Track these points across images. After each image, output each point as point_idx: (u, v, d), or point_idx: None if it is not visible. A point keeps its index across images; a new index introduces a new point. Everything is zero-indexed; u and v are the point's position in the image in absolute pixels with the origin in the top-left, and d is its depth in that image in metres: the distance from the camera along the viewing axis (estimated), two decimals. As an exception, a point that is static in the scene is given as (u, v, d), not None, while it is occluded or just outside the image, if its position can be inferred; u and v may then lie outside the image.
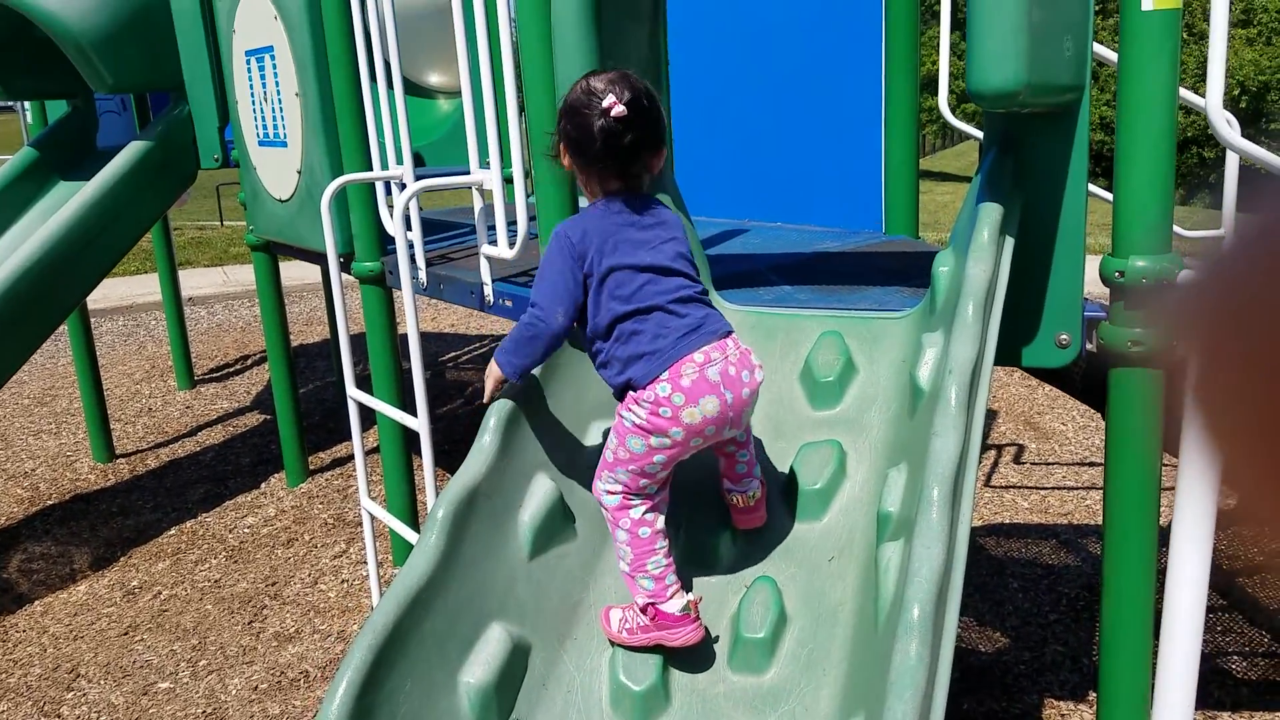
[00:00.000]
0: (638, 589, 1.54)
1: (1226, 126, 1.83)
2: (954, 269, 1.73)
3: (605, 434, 1.80)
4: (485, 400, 1.71)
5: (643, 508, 1.58)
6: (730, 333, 1.60)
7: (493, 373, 1.67)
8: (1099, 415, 2.85)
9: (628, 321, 1.57)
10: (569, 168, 1.67)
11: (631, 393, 1.56)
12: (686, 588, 1.60)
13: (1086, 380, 2.20)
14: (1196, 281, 0.28)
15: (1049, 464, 4.39)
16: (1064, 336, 1.86)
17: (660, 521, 1.58)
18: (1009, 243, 1.68)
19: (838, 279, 2.39)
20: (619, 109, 1.54)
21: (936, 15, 2.97)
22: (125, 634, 3.36)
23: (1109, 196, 1.80)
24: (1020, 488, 4.15)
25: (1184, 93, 2.37)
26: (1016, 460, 4.46)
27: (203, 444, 5.20)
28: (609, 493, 1.59)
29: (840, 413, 1.88)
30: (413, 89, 4.03)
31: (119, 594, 3.64)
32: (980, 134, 3.14)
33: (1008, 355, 1.88)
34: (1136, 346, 1.79)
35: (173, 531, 4.14)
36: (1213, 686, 2.69)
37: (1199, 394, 0.27)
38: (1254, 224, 0.26)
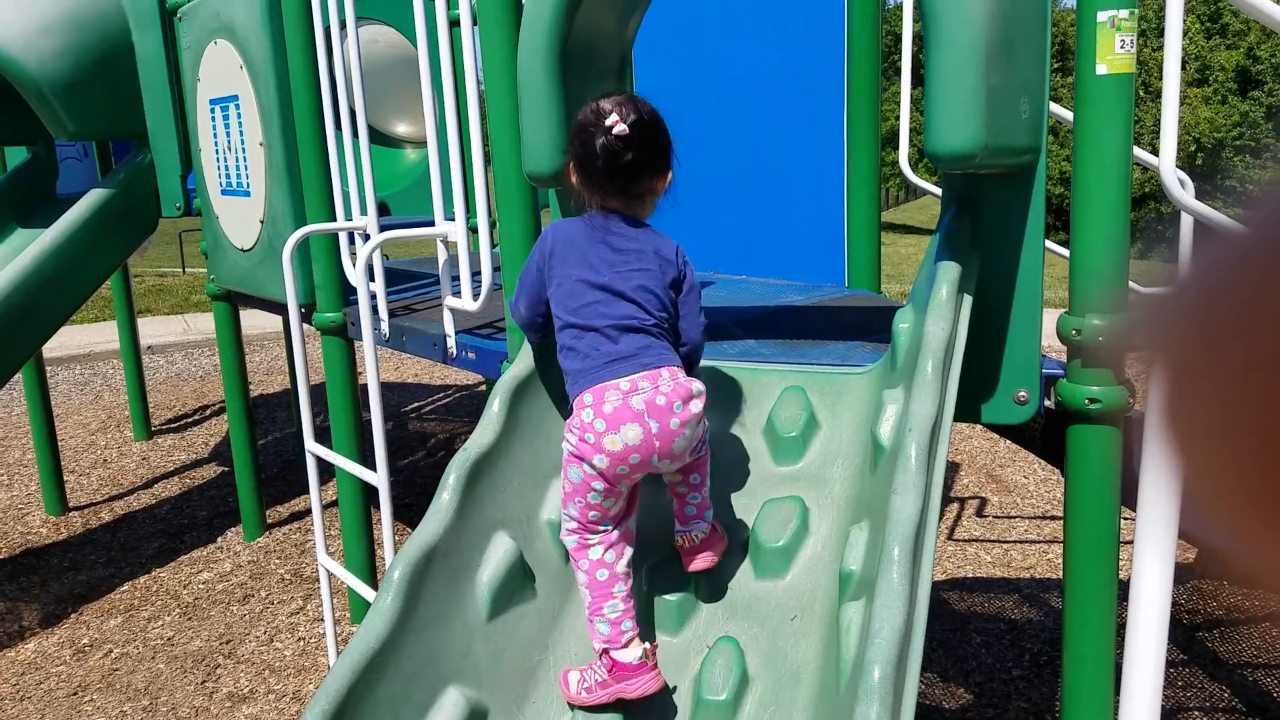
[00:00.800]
0: (594, 634, 1.52)
1: (1179, 187, 1.88)
2: (914, 326, 1.74)
3: None
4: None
5: (600, 547, 1.56)
6: (670, 366, 1.58)
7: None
8: (1060, 469, 2.89)
9: (566, 334, 1.61)
10: (575, 187, 1.71)
11: (568, 418, 1.58)
12: (647, 640, 1.58)
13: (1046, 436, 2.22)
14: (1166, 292, 0.28)
15: (1011, 517, 4.42)
16: (1022, 394, 1.87)
17: (621, 565, 1.56)
18: (967, 300, 1.70)
19: (801, 333, 2.41)
20: (620, 127, 1.59)
21: (899, 71, 3.04)
22: (74, 694, 3.24)
23: (1065, 253, 1.83)
24: (983, 541, 4.16)
25: (1139, 153, 2.44)
26: (979, 513, 4.48)
27: (158, 496, 5.08)
28: (568, 531, 1.58)
29: (803, 468, 1.88)
30: (380, 138, 4.05)
31: (69, 652, 3.51)
32: (940, 191, 3.21)
33: (968, 412, 1.89)
34: (1094, 404, 1.81)
35: (126, 587, 4.02)
36: (1176, 741, 2.69)
37: (1166, 406, 0.27)
38: (1228, 236, 0.26)
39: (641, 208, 1.70)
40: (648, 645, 1.52)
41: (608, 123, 1.60)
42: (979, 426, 5.77)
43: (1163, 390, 0.27)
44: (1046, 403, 1.94)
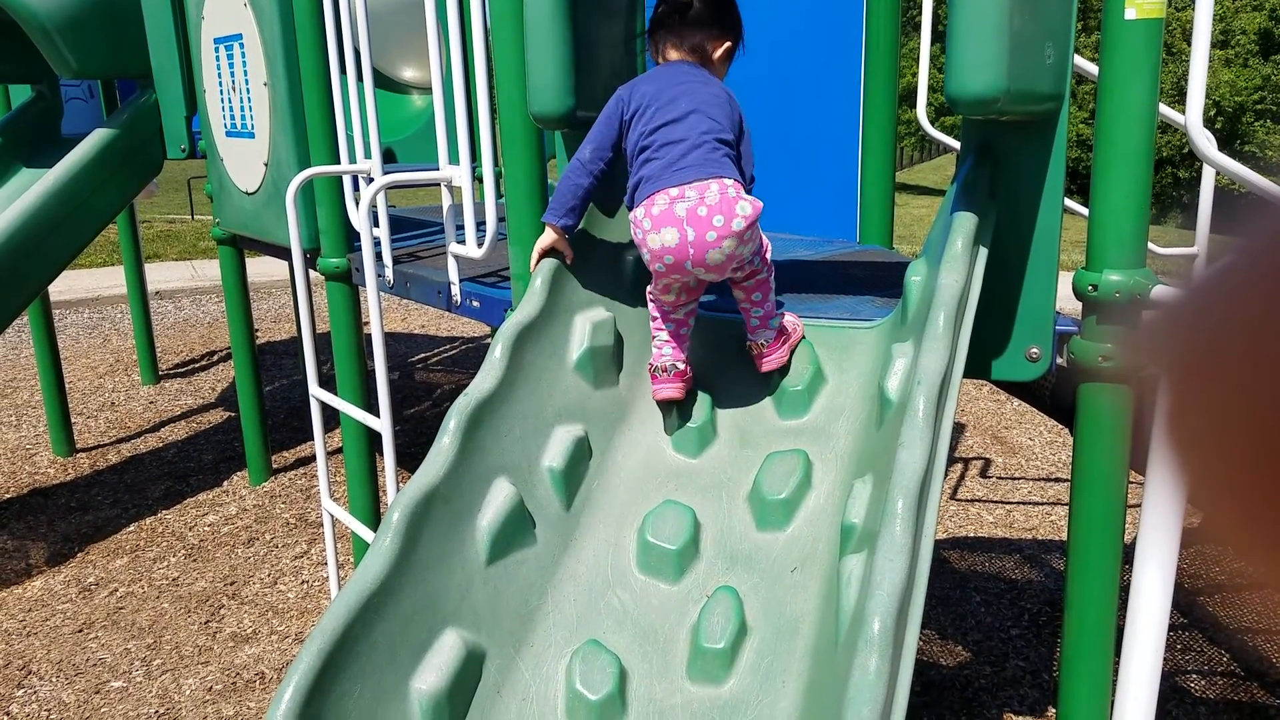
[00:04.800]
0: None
1: (1205, 141, 1.83)
2: (926, 278, 1.71)
3: (569, 439, 1.79)
4: (533, 262, 1.94)
5: (654, 308, 1.88)
6: (723, 179, 1.70)
7: (545, 235, 1.92)
8: (1066, 431, 2.86)
9: (644, 153, 1.77)
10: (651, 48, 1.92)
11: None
12: (648, 595, 1.60)
13: (1055, 396, 2.19)
14: (1170, 307, 0.28)
15: (1015, 479, 4.41)
16: (1034, 350, 1.84)
17: (672, 314, 1.87)
18: (983, 253, 1.67)
19: (811, 288, 2.37)
20: None
21: (918, 27, 2.97)
22: (79, 631, 3.27)
23: (1084, 210, 1.79)
24: (986, 502, 4.15)
25: (1163, 109, 2.37)
26: (983, 474, 4.47)
27: (165, 440, 5.10)
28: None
29: (808, 422, 1.86)
30: (386, 83, 3.98)
31: (74, 590, 3.55)
32: (958, 145, 3.14)
33: (977, 368, 1.86)
34: (1107, 361, 1.77)
35: (131, 528, 4.05)
36: (1171, 704, 2.70)
37: (1170, 420, 0.28)
38: (1233, 249, 0.26)
39: (703, 58, 1.87)
40: (679, 368, 1.84)
41: None
42: (986, 388, 5.73)
43: (1166, 402, 0.27)
44: (1059, 360, 1.91)
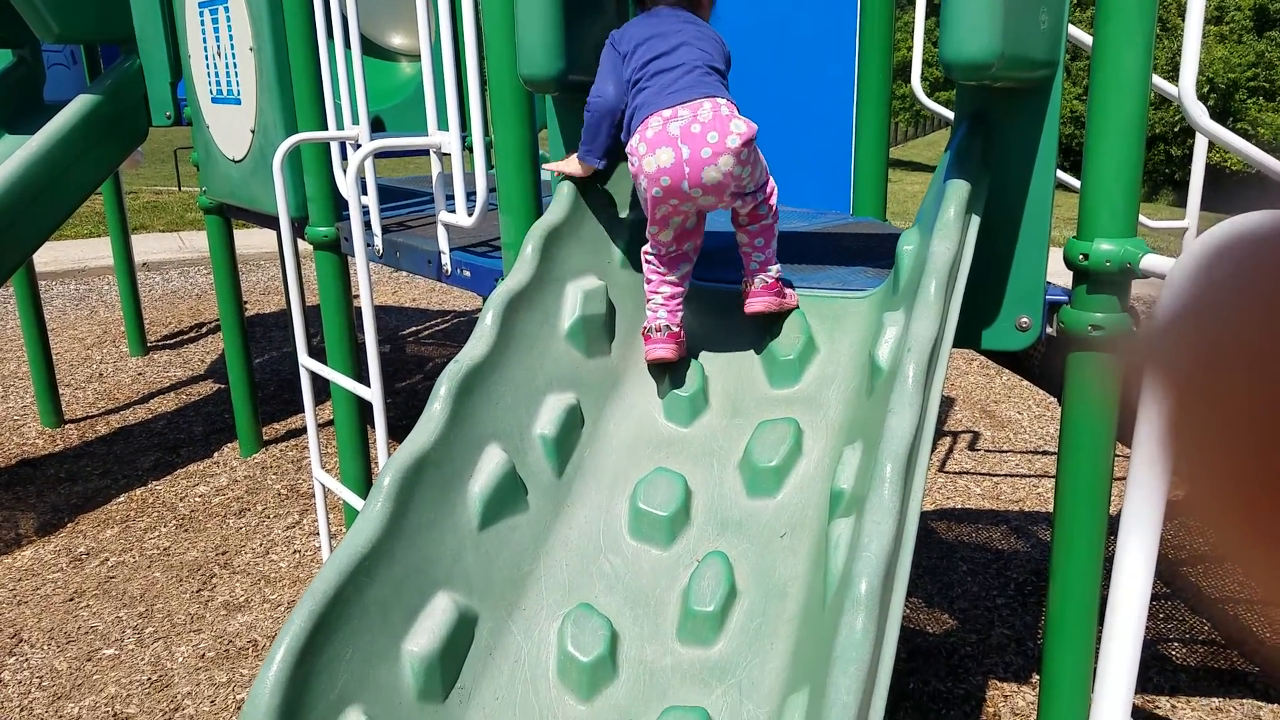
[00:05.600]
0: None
1: (1199, 109, 1.83)
2: (918, 247, 1.71)
3: (561, 407, 1.79)
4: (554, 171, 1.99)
5: (655, 261, 1.88)
6: (714, 98, 1.71)
7: (571, 163, 1.96)
8: (1054, 404, 2.87)
9: (637, 84, 1.79)
10: None
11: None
12: (639, 560, 1.62)
13: (1044, 366, 2.20)
14: (1167, 315, 0.28)
15: (1003, 451, 4.44)
16: (1024, 319, 1.85)
17: (672, 276, 1.88)
18: (974, 221, 1.67)
19: (803, 258, 2.37)
20: None
21: (913, 1, 2.95)
22: (70, 600, 3.28)
23: (1076, 183, 1.79)
24: (973, 474, 4.18)
25: (1157, 80, 2.37)
26: (971, 447, 4.50)
27: (154, 411, 5.09)
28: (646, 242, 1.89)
29: (799, 391, 1.86)
30: (375, 50, 3.94)
31: (65, 560, 3.55)
32: (950, 115, 3.13)
33: (967, 337, 1.87)
34: (1097, 331, 1.78)
35: (122, 499, 4.05)
36: (1152, 671, 2.74)
37: (1171, 429, 0.28)
38: (1227, 256, 0.27)
39: (695, 8, 1.90)
40: (673, 330, 1.86)
41: None
42: (975, 361, 5.74)
43: (1166, 406, 0.28)
44: (1048, 330, 1.92)
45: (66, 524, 3.84)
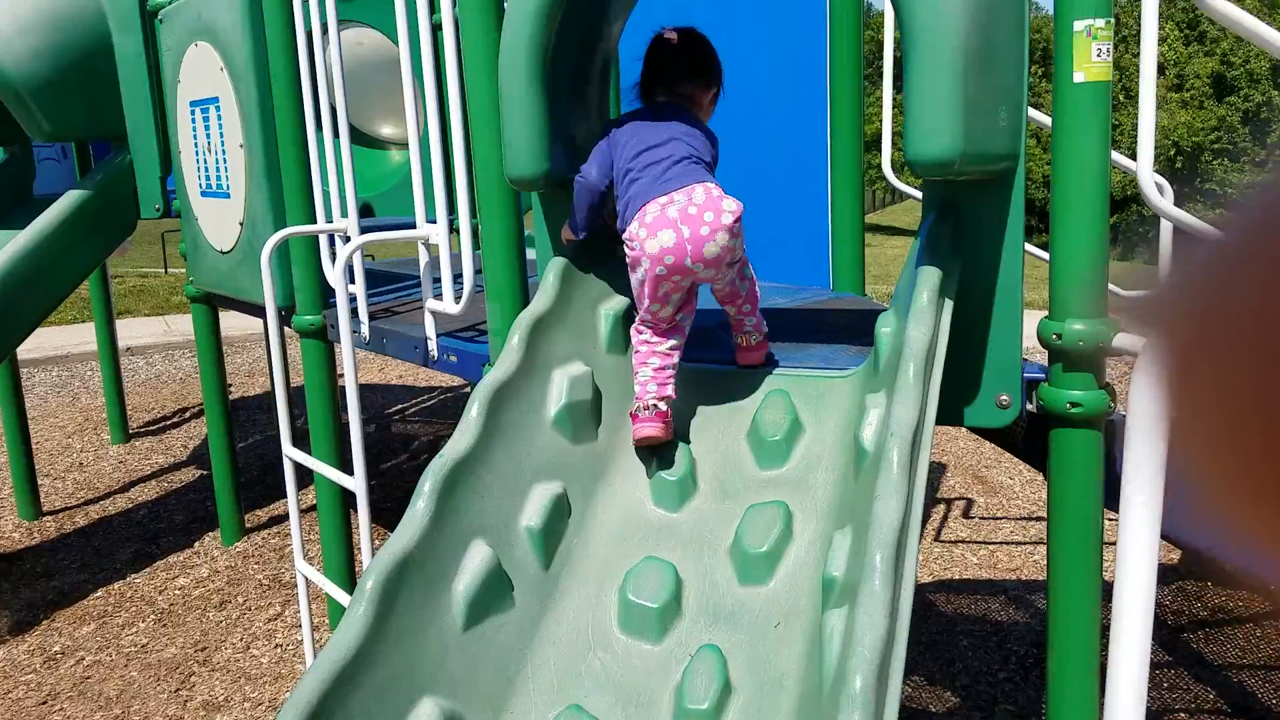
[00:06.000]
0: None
1: (1156, 193, 1.88)
2: (896, 330, 1.73)
3: (547, 497, 1.78)
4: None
5: (648, 333, 1.93)
6: (705, 183, 1.85)
7: (564, 231, 2.06)
8: (1042, 473, 2.88)
9: (629, 175, 1.90)
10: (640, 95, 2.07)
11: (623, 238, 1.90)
12: (630, 656, 1.58)
13: (1028, 440, 2.21)
14: (1171, 283, 0.28)
15: (997, 518, 4.42)
16: (1004, 397, 1.87)
17: (661, 347, 1.93)
18: (948, 305, 1.69)
19: (787, 336, 2.39)
20: (671, 34, 2.00)
21: (882, 76, 3.04)
22: (44, 703, 3.18)
23: (1046, 256, 1.83)
24: (969, 542, 4.16)
25: (1118, 158, 2.44)
26: (965, 515, 4.48)
27: (135, 500, 5.02)
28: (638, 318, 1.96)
29: (787, 472, 1.86)
30: (365, 140, 4.01)
31: (39, 660, 3.46)
32: (920, 195, 3.20)
33: (950, 415, 1.88)
34: (1076, 408, 1.80)
35: (100, 593, 3.96)
36: (1160, 744, 2.69)
37: (1173, 400, 0.28)
38: (1234, 225, 0.26)
39: (687, 104, 2.02)
40: (661, 409, 1.88)
41: (665, 36, 2.00)
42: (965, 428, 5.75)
43: (1167, 378, 0.28)
44: (1029, 406, 1.93)
45: (42, 621, 3.75)
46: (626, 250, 1.88)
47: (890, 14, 2.96)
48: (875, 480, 1.45)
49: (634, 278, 1.90)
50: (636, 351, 1.95)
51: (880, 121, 3.37)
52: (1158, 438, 1.66)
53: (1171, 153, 27.25)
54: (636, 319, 1.96)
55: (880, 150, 3.34)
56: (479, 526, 1.66)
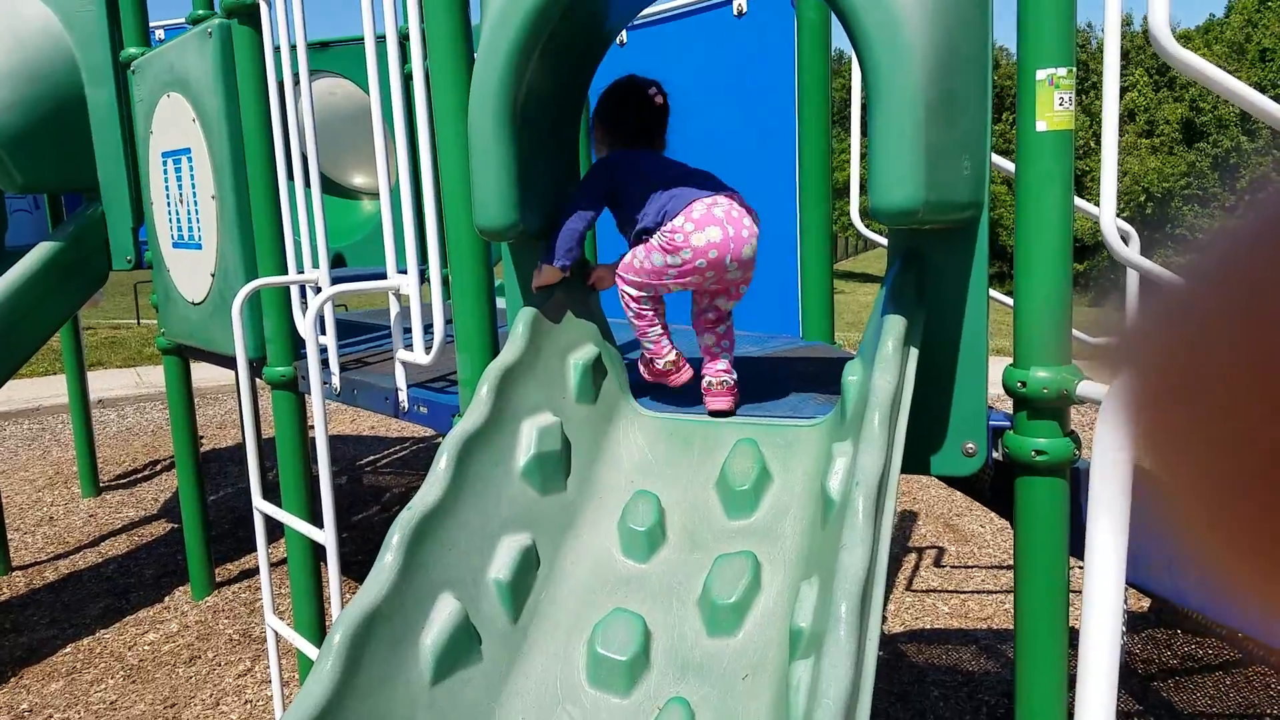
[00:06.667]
0: (643, 349, 2.17)
1: (1119, 240, 1.92)
2: (862, 379, 1.75)
3: (515, 549, 1.77)
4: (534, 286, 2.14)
5: (650, 302, 2.10)
6: (736, 193, 2.05)
7: (551, 273, 2.10)
8: (989, 508, 2.89)
9: (659, 189, 2.03)
10: (602, 140, 2.21)
11: (659, 229, 2.02)
12: (598, 710, 1.58)
13: (995, 488, 2.23)
14: (1136, 328, 0.28)
15: (968, 567, 4.42)
16: (970, 445, 1.88)
17: (659, 312, 2.13)
18: (913, 353, 1.72)
19: (754, 384, 2.41)
20: (660, 100, 2.20)
21: (849, 123, 3.10)
22: (4, 766, 3.09)
23: (1010, 302, 1.86)
24: (940, 591, 4.16)
25: (1083, 204, 2.48)
26: (937, 563, 4.48)
27: (105, 555, 4.93)
28: (630, 284, 2.08)
29: (755, 522, 1.86)
30: (337, 190, 4.04)
31: (7, 718, 3.36)
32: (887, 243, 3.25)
33: (917, 464, 1.90)
34: (1041, 456, 1.82)
35: (69, 649, 3.87)
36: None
37: (1142, 445, 0.27)
38: (1197, 268, 0.26)
39: (662, 148, 2.23)
40: (730, 384, 2.08)
41: (651, 93, 2.19)
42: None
43: (1135, 422, 0.27)
44: (994, 454, 1.95)
45: (10, 679, 3.65)
46: (663, 240, 2.01)
47: (858, 63, 3.03)
48: (841, 530, 1.45)
49: (661, 260, 2.02)
50: (638, 316, 2.10)
51: (850, 169, 3.44)
52: (1124, 484, 1.68)
53: (1142, 198, 27.78)
54: (632, 299, 2.09)
55: (850, 197, 3.40)
56: (447, 579, 1.64)
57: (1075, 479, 1.92)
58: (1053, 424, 1.83)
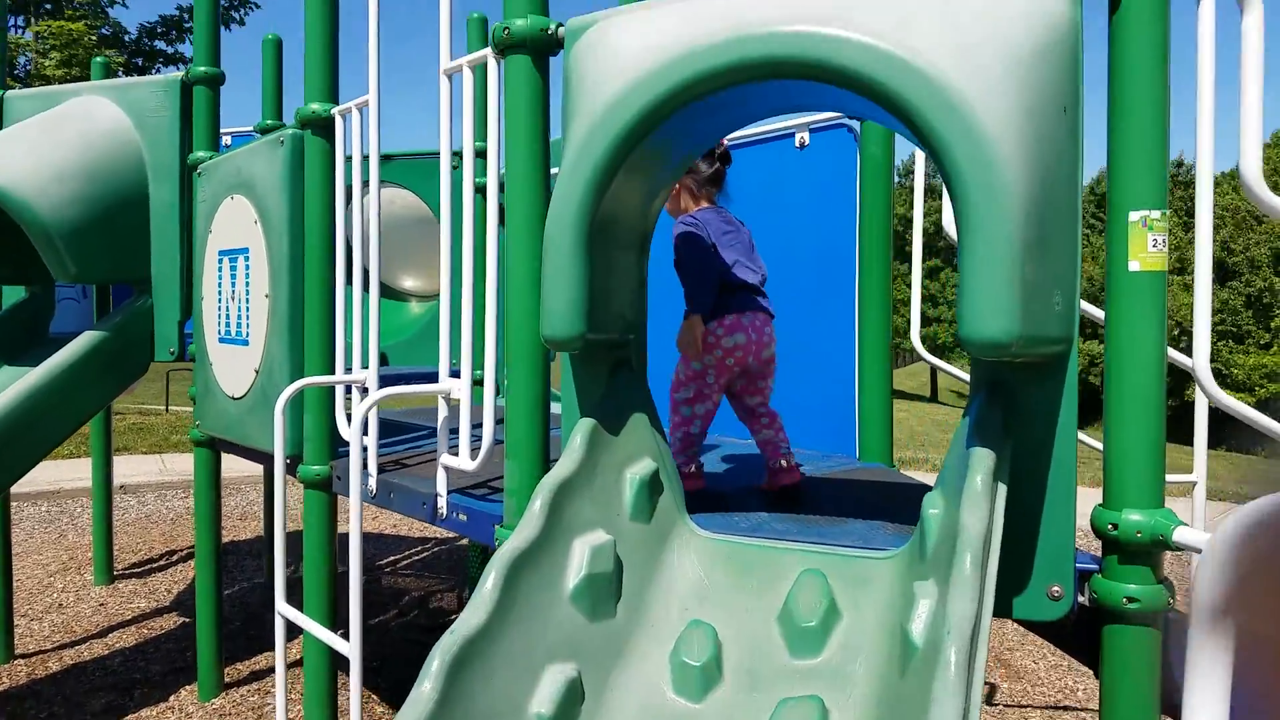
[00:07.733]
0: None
1: (1215, 384, 1.85)
2: (944, 513, 1.65)
3: (560, 680, 1.64)
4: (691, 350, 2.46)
5: (690, 410, 2.49)
6: (767, 311, 2.49)
7: (697, 324, 2.42)
8: (1070, 654, 2.72)
9: (725, 291, 2.45)
10: (689, 194, 2.56)
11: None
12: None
13: (1078, 632, 2.08)
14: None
15: (1023, 706, 4.17)
16: (1056, 589, 1.76)
17: (694, 426, 2.50)
18: (1002, 489, 1.62)
19: (819, 509, 2.31)
20: (725, 151, 2.57)
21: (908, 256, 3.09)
22: None
23: (1099, 445, 1.77)
24: (994, 735, 3.90)
25: (1173, 354, 2.43)
26: (989, 701, 4.23)
27: (112, 646, 4.76)
28: (680, 392, 2.50)
29: (823, 663, 1.73)
30: (387, 291, 4.05)
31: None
32: (948, 368, 3.19)
33: (1000, 606, 1.77)
34: (1132, 603, 1.69)
35: (63, 750, 3.69)
36: None
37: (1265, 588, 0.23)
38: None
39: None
40: (695, 468, 2.50)
41: (719, 150, 2.54)
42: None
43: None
44: (1080, 598, 1.82)
45: (-2, 781, 3.47)
46: (709, 335, 2.44)
47: (921, 190, 3.04)
48: (929, 681, 1.33)
49: (696, 362, 2.45)
50: (679, 418, 2.50)
51: (909, 292, 3.43)
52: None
53: (1176, 332, 27.93)
54: (682, 395, 2.49)
55: (910, 319, 3.38)
56: (486, 712, 1.52)
57: (1167, 629, 1.78)
58: (1145, 569, 1.71)
